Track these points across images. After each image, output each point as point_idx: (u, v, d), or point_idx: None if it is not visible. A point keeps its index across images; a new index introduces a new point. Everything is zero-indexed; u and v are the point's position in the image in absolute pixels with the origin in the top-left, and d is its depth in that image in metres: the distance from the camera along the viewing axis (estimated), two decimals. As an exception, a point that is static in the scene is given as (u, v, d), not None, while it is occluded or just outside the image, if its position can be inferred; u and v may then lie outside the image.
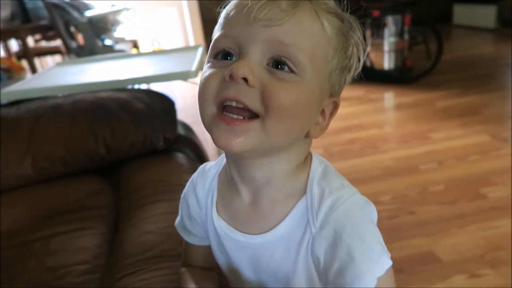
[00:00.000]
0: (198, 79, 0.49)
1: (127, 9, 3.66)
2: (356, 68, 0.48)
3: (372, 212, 0.47)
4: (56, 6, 2.86)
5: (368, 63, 3.13)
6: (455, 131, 2.17)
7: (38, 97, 1.33)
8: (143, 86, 1.94)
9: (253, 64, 0.41)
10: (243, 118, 0.41)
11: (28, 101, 1.30)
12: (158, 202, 0.98)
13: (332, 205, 0.45)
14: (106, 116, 1.20)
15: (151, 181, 1.09)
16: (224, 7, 0.46)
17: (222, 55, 0.44)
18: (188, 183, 0.59)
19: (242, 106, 0.41)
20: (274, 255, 0.49)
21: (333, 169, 0.50)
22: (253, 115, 0.42)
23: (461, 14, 4.75)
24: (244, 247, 0.51)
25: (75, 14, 2.91)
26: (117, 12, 3.36)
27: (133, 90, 1.42)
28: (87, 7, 3.23)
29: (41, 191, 1.13)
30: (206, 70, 0.45)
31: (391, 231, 1.41)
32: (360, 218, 0.45)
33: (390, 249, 0.44)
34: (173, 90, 3.27)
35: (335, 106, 0.48)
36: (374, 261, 0.44)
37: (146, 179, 1.10)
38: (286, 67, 0.42)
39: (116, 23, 3.34)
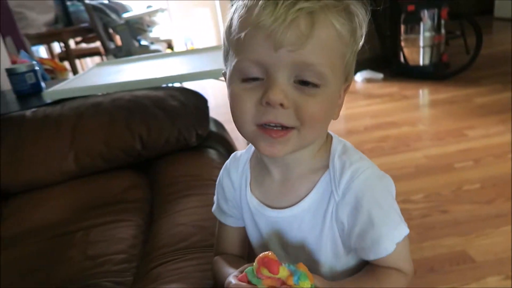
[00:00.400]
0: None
1: (163, 10, 3.74)
2: (359, 43, 0.51)
3: (389, 184, 0.52)
4: (96, 8, 2.98)
5: (402, 59, 3.06)
6: (493, 128, 2.08)
7: (80, 95, 1.41)
8: (177, 85, 1.99)
9: (284, 88, 0.45)
10: (281, 128, 0.48)
11: (70, 100, 1.37)
12: (191, 196, 1.02)
13: (352, 174, 0.50)
14: (142, 114, 1.25)
15: (184, 176, 1.12)
16: (232, 23, 0.48)
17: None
18: (222, 170, 0.65)
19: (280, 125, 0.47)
20: (301, 226, 0.55)
21: (351, 145, 0.56)
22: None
23: (503, 6, 4.53)
24: (273, 222, 0.57)
25: (113, 16, 3.02)
26: (153, 13, 3.46)
27: (168, 88, 1.46)
28: (125, 9, 3.34)
29: (82, 186, 1.19)
30: (238, 92, 0.48)
31: (423, 229, 1.39)
32: (378, 187, 0.51)
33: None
34: (205, 88, 3.32)
35: (348, 85, 0.53)
36: (393, 227, 0.49)
37: (179, 174, 1.14)
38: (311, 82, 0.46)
39: (152, 24, 3.44)
